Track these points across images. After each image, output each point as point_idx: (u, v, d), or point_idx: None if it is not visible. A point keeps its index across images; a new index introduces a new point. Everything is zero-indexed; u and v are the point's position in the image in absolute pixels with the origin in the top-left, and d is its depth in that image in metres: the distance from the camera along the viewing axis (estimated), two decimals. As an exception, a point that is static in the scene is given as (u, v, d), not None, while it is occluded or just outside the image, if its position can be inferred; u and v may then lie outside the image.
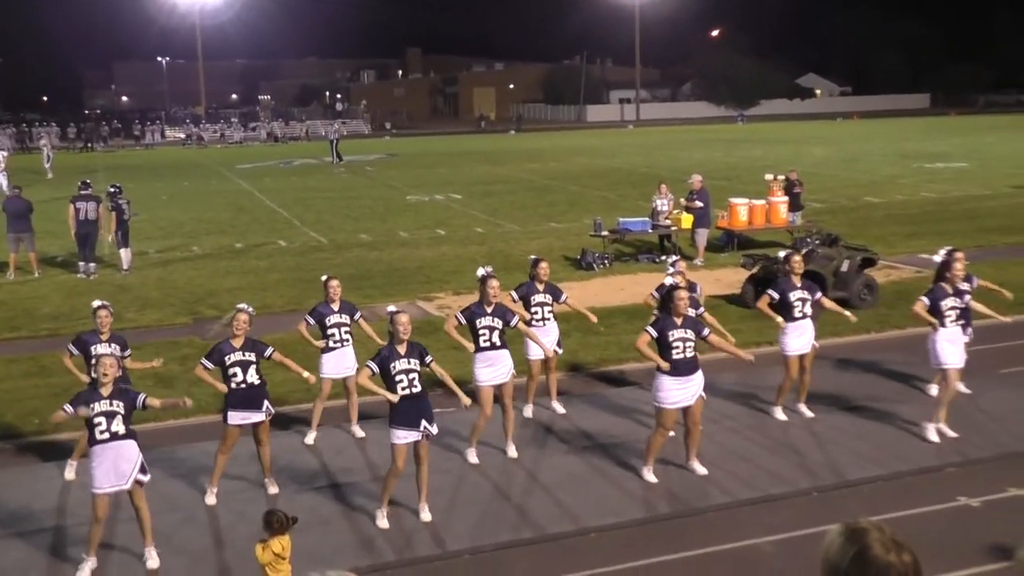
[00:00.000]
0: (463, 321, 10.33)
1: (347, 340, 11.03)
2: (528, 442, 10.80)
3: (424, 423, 8.77)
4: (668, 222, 21.40)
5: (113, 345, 9.82)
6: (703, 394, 9.70)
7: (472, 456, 10.29)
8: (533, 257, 11.88)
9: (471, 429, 10.39)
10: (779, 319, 11.07)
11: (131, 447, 8.15)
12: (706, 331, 9.72)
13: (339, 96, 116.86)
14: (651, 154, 49.99)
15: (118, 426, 8.06)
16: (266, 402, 9.55)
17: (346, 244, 24.55)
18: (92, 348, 9.74)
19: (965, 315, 11.03)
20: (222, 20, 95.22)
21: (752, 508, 9.06)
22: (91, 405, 8.01)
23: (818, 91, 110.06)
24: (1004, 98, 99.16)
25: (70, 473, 10.07)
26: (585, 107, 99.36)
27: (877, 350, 14.03)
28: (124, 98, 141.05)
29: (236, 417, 9.40)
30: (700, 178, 21.70)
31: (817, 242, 17.36)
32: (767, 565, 8.11)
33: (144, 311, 17.64)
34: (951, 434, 10.44)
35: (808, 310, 11.17)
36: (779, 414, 11.29)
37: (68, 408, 8.03)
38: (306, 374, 9.77)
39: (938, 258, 10.96)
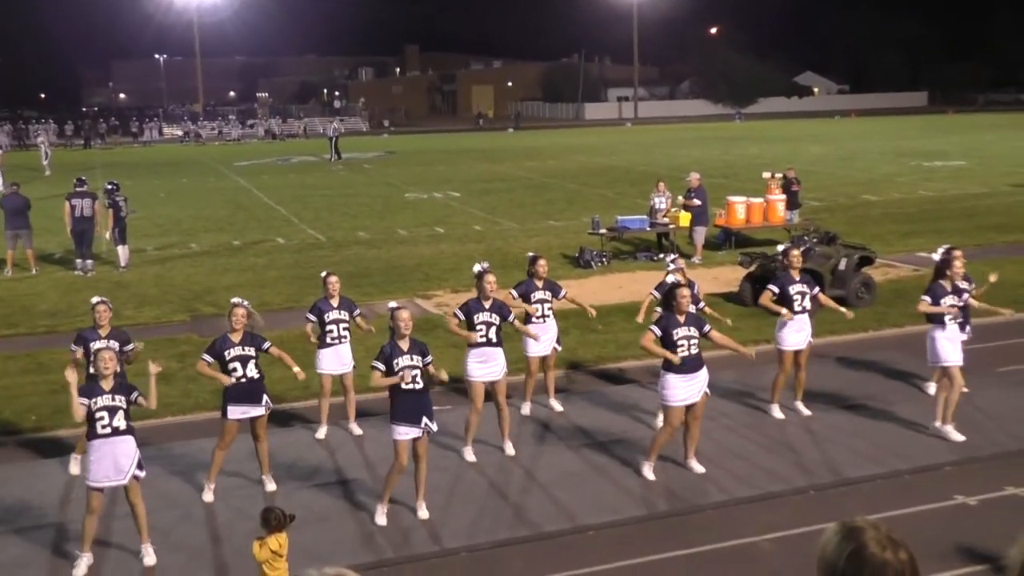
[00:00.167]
0: (462, 317, 10.35)
1: (345, 337, 11.03)
2: (526, 440, 10.80)
3: (425, 420, 8.80)
4: (666, 220, 21.41)
5: (112, 341, 9.82)
6: (707, 390, 9.74)
7: (469, 454, 10.29)
8: (531, 254, 11.89)
9: (465, 426, 10.40)
10: (783, 311, 11.07)
11: (130, 443, 8.18)
12: (707, 327, 9.74)
13: (337, 93, 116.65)
14: (649, 152, 49.99)
15: (119, 421, 8.11)
16: (265, 396, 9.56)
17: (344, 242, 24.54)
18: (91, 344, 9.74)
19: (964, 313, 11.04)
20: (220, 17, 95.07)
21: (750, 506, 9.07)
22: (93, 399, 8.05)
23: (816, 89, 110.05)
24: (1003, 97, 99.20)
25: (74, 467, 10.06)
26: (583, 105, 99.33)
27: (875, 348, 14.04)
28: (122, 95, 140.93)
29: (236, 411, 9.40)
30: (698, 176, 21.71)
31: (815, 240, 17.36)
32: (765, 563, 8.11)
33: (142, 308, 17.62)
34: (957, 437, 10.40)
35: (807, 304, 11.20)
36: (776, 412, 11.30)
37: (84, 400, 8.07)
38: (296, 369, 9.75)
39: (937, 256, 10.95)
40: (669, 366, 9.54)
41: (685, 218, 21.18)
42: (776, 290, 11.17)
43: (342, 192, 35.51)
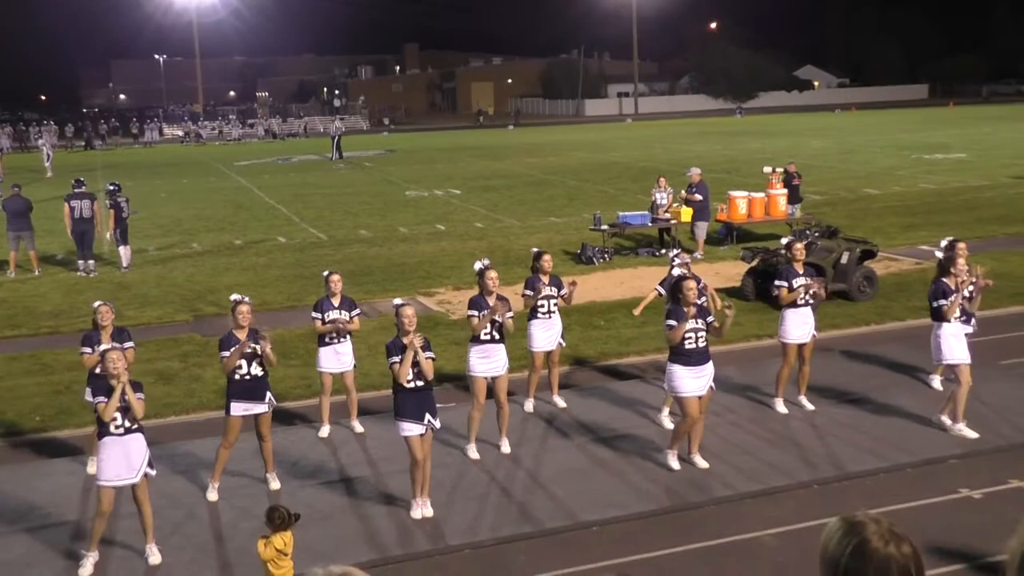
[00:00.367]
0: (476, 313, 10.34)
1: (345, 335, 11.04)
2: (529, 436, 10.81)
3: (428, 417, 8.84)
4: (668, 215, 21.39)
5: (115, 343, 9.82)
6: (712, 384, 9.76)
7: (473, 452, 10.30)
8: (536, 250, 11.89)
9: (467, 423, 10.41)
10: (799, 292, 11.09)
11: (140, 441, 8.25)
12: (712, 318, 9.74)
13: (337, 92, 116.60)
14: (650, 148, 49.96)
15: (131, 419, 8.16)
16: (268, 394, 9.58)
17: (346, 240, 24.54)
18: (96, 345, 9.78)
19: (966, 309, 11.03)
20: (219, 17, 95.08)
21: (753, 501, 9.07)
22: (108, 398, 8.09)
23: (816, 83, 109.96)
24: (1004, 88, 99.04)
25: (92, 468, 9.96)
26: (583, 101, 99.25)
27: (877, 342, 14.03)
28: (122, 96, 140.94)
29: (238, 408, 9.42)
30: (699, 171, 21.70)
31: (816, 234, 17.36)
32: (769, 558, 8.11)
33: (144, 309, 17.63)
34: (971, 435, 10.35)
35: (811, 298, 11.22)
36: (780, 406, 11.30)
37: (102, 399, 8.08)
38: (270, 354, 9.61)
39: (940, 251, 10.93)
40: (676, 359, 9.56)
41: (686, 213, 21.17)
42: (785, 284, 11.19)
43: (343, 191, 35.51)
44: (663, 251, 20.62)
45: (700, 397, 9.63)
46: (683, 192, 21.45)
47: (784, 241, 12.30)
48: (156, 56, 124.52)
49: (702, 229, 20.89)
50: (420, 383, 8.84)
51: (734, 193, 22.18)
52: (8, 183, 29.47)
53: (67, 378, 13.31)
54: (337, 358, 11.01)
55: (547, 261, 11.48)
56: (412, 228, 26.07)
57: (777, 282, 11.31)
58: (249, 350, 9.34)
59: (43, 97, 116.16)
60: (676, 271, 11.14)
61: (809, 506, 8.82)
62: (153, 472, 8.37)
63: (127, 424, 8.14)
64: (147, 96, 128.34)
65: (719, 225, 22.23)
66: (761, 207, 21.80)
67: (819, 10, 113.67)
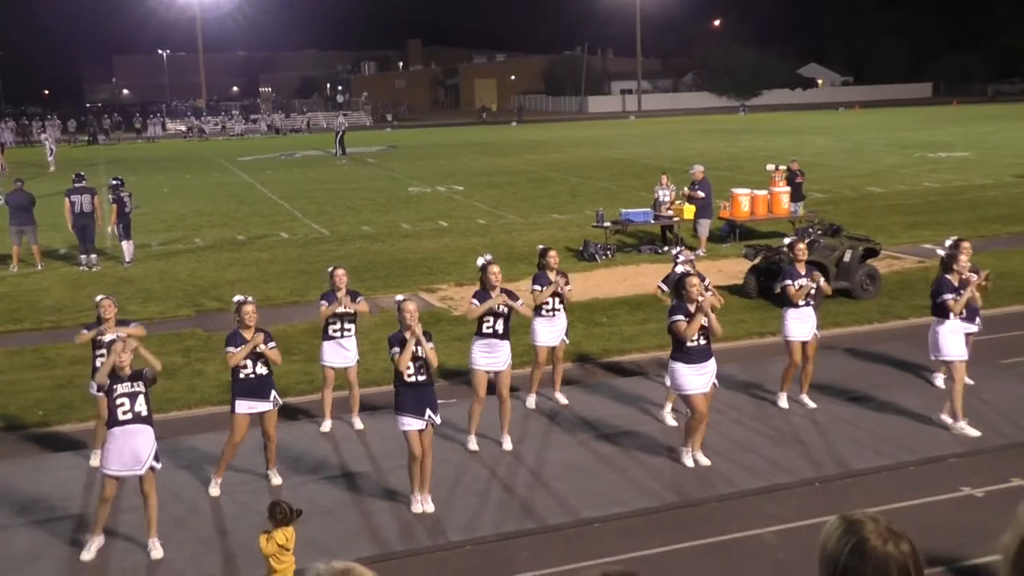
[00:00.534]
0: (478, 303, 10.35)
1: (349, 330, 11.05)
2: (531, 433, 10.81)
3: (429, 412, 8.85)
4: (670, 213, 21.39)
5: (119, 332, 9.88)
6: (715, 381, 9.76)
7: (472, 444, 10.33)
8: (542, 247, 11.90)
9: (468, 415, 10.43)
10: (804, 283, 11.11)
11: (148, 433, 8.28)
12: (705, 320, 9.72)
13: (340, 88, 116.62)
14: (653, 145, 49.94)
15: (140, 406, 8.23)
16: (273, 392, 9.58)
17: (348, 236, 24.54)
18: (99, 339, 9.82)
19: (972, 306, 11.04)
20: (222, 12, 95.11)
21: (755, 498, 9.08)
22: (115, 386, 8.16)
23: (820, 81, 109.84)
24: (1008, 87, 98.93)
25: (95, 461, 9.96)
26: (586, 98, 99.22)
27: (880, 340, 14.02)
28: (125, 91, 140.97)
29: (243, 406, 9.43)
30: (702, 168, 21.68)
31: (819, 232, 17.35)
32: (770, 555, 8.11)
33: (147, 303, 17.65)
34: (973, 433, 10.36)
35: (811, 300, 11.22)
36: (782, 401, 11.33)
37: (104, 385, 8.23)
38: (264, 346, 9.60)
39: (944, 249, 10.94)
40: (678, 356, 9.57)
41: (689, 211, 21.16)
42: (790, 282, 11.21)
43: (346, 186, 35.52)
44: (665, 248, 20.62)
45: (705, 394, 9.64)
46: (686, 189, 21.44)
47: (787, 241, 12.30)
48: (159, 51, 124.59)
49: (704, 227, 20.88)
50: (421, 377, 8.86)
51: (737, 191, 22.17)
52: (11, 177, 29.47)
53: (69, 372, 13.33)
54: (341, 352, 11.02)
55: (553, 257, 11.49)
56: (415, 224, 26.08)
57: (786, 281, 11.32)
58: (260, 351, 9.35)
59: (46, 92, 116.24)
60: (679, 268, 11.14)
61: (811, 504, 8.82)
62: (159, 466, 8.41)
63: (136, 411, 8.19)
64: (150, 91, 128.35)
65: (722, 223, 22.22)
66: (764, 205, 21.79)
67: (823, 8, 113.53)
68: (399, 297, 9.41)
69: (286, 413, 11.50)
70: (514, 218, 26.70)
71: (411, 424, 8.83)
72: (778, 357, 11.68)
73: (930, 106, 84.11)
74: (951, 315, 10.39)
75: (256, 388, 9.45)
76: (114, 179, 22.27)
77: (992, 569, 7.50)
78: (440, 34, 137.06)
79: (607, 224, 21.35)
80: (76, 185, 21.19)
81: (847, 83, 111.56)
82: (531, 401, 11.66)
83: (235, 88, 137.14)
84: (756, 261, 16.71)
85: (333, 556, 2.68)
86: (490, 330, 10.31)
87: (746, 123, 67.54)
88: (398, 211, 28.74)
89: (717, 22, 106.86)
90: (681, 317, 9.56)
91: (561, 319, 11.52)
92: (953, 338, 10.40)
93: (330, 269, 11.34)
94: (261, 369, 9.45)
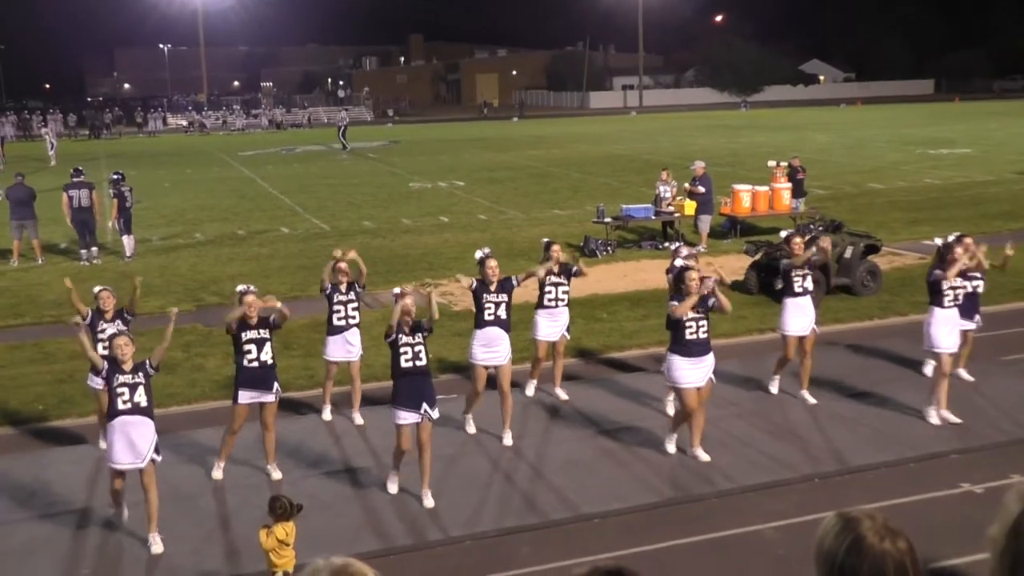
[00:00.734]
0: (474, 284, 10.42)
1: (353, 317, 11.06)
2: (532, 428, 10.82)
3: (425, 406, 8.86)
4: (671, 208, 21.38)
5: (118, 322, 9.93)
6: (712, 376, 9.77)
7: (470, 426, 10.40)
8: (546, 240, 11.96)
9: (465, 401, 10.48)
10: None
11: (148, 425, 8.29)
12: (712, 300, 9.70)
13: (341, 83, 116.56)
14: (654, 140, 49.90)
15: (140, 397, 8.23)
16: (275, 383, 9.61)
17: (349, 231, 24.53)
18: (99, 330, 9.82)
19: (973, 301, 11.05)
20: (223, 7, 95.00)
21: (755, 494, 9.08)
22: (115, 376, 8.18)
23: (822, 77, 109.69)
24: (1010, 84, 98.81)
25: (104, 444, 9.98)
26: (588, 94, 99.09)
27: (880, 336, 14.02)
28: (126, 85, 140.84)
29: (245, 396, 9.45)
30: (703, 164, 21.66)
31: (820, 228, 17.33)
32: (770, 551, 8.12)
33: (147, 298, 17.60)
34: (955, 420, 10.44)
35: (809, 286, 11.24)
36: (773, 387, 11.48)
37: (104, 380, 8.30)
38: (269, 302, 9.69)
39: (939, 240, 11.02)
40: (676, 349, 9.58)
41: (690, 206, 21.14)
42: (675, 303, 11.17)
43: (347, 182, 35.49)
44: (666, 244, 20.60)
45: (699, 389, 9.63)
46: (687, 185, 21.43)
47: (783, 235, 12.31)
48: (160, 45, 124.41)
49: (705, 222, 20.87)
50: (420, 362, 8.89)
51: (738, 187, 22.16)
52: (12, 172, 29.47)
53: (70, 367, 13.33)
54: (346, 347, 11.03)
55: (556, 251, 11.51)
56: (415, 219, 26.07)
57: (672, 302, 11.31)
58: (266, 314, 9.44)
59: (47, 86, 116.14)
60: (679, 262, 11.15)
61: (810, 500, 8.83)
62: (159, 458, 8.41)
63: (135, 401, 8.19)
64: (151, 85, 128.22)
65: (723, 219, 22.20)
66: (765, 201, 21.77)
67: (825, 5, 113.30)
68: (396, 290, 9.51)
69: (286, 407, 11.51)
70: (515, 214, 26.69)
71: (405, 418, 8.85)
72: (778, 353, 11.68)
73: (932, 103, 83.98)
74: (945, 301, 10.42)
75: (260, 378, 9.48)
76: (115, 174, 22.25)
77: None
78: (442, 29, 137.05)
79: (608, 220, 21.34)
80: (74, 180, 21.18)
81: (849, 79, 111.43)
82: (530, 389, 11.72)
83: (236, 83, 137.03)
84: (757, 257, 16.71)
85: (333, 550, 2.69)
86: (491, 317, 10.34)
87: (748, 119, 67.47)
88: (399, 206, 28.73)
89: (719, 18, 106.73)
90: (676, 303, 9.60)
91: (564, 314, 11.54)
92: (944, 329, 10.46)
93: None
94: (265, 357, 9.49)
